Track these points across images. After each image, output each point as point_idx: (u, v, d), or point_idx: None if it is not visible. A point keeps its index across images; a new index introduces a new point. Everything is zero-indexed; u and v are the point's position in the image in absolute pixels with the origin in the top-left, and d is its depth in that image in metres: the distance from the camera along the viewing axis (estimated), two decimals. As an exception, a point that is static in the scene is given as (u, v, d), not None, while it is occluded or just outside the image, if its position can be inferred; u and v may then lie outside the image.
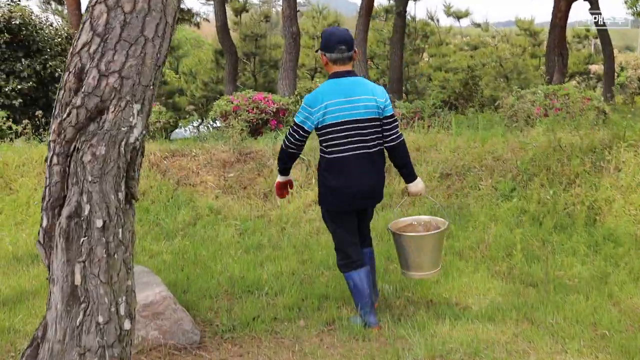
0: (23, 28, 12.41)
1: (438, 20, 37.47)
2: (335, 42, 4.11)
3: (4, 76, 12.00)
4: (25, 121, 10.26)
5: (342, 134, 4.07)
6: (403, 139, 4.29)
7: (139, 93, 3.16)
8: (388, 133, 4.20)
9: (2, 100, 11.83)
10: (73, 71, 2.96)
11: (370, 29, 24.96)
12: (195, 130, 16.40)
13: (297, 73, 19.52)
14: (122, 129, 3.05)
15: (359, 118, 4.08)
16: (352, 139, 4.08)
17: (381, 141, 4.22)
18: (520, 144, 8.16)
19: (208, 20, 28.25)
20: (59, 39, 13.15)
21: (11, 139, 10.38)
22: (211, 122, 12.09)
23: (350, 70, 4.18)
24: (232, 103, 11.60)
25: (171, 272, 5.74)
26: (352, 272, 4.28)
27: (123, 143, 3.07)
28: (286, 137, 4.22)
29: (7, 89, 11.82)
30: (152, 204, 8.12)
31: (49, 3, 27.14)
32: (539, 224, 6.62)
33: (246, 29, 30.63)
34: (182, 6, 26.27)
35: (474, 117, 13.33)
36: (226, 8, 22.85)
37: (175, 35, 37.07)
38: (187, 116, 27.47)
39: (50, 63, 12.62)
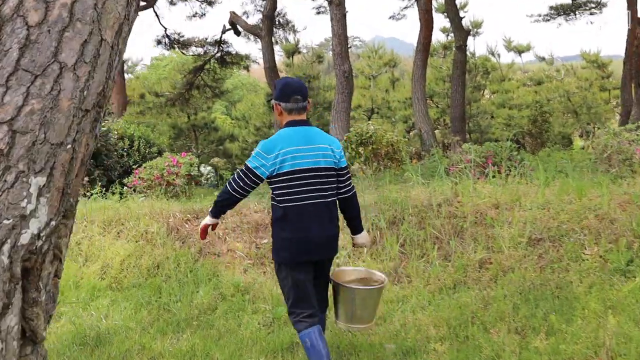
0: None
1: (499, 55, 35.61)
2: (291, 92, 4.06)
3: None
4: None
5: (301, 181, 3.94)
6: (355, 191, 4.31)
7: (42, 157, 2.07)
8: (343, 185, 4.18)
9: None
10: None
11: (428, 66, 23.31)
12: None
13: (350, 114, 18.01)
14: (5, 221, 1.96)
15: (319, 167, 3.99)
16: (311, 187, 3.97)
17: (335, 192, 4.14)
18: (631, 197, 6.35)
19: (258, 63, 27.15)
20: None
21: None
22: None
23: (306, 120, 4.11)
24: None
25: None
26: (308, 330, 4.01)
27: (6, 247, 1.95)
28: (233, 179, 4.03)
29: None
30: (165, 281, 6.60)
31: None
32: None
33: (298, 70, 29.44)
34: (229, 49, 25.19)
35: (549, 159, 11.53)
36: (276, 49, 21.62)
37: (230, 79, 36.46)
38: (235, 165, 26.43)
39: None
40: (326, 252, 4.16)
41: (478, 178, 7.98)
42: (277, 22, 25.39)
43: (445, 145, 20.26)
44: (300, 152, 3.91)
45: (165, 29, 25.83)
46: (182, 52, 27.09)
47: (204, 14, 25.98)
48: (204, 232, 4.26)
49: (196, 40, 26.22)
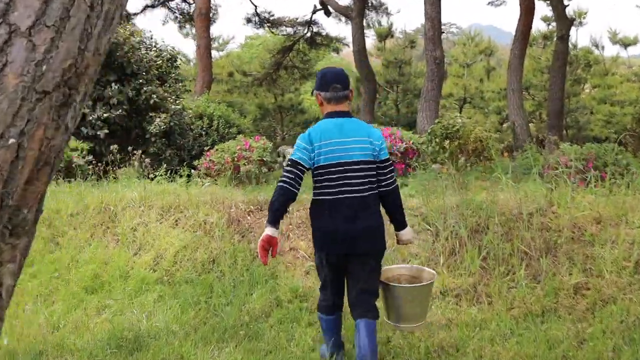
0: (117, 48, 10.82)
1: (603, 48, 33.54)
2: (330, 81, 4.04)
3: (89, 103, 10.43)
4: (112, 155, 8.57)
5: (334, 175, 3.94)
6: (397, 185, 4.20)
7: None
8: (383, 177, 4.06)
9: (86, 130, 10.26)
10: None
11: (527, 57, 21.95)
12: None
13: (439, 103, 17.05)
14: None
15: (354, 160, 3.95)
16: (345, 181, 3.93)
17: (374, 185, 4.04)
18: None
19: (348, 46, 26.37)
20: (160, 61, 11.46)
21: (94, 177, 8.75)
22: None
23: (345, 111, 4.08)
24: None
25: None
26: (324, 315, 4.27)
27: None
28: (282, 175, 3.96)
29: (91, 118, 10.22)
30: (219, 279, 6.03)
31: (184, 25, 26.37)
32: None
33: (390, 55, 28.49)
34: (319, 30, 24.57)
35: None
36: (367, 32, 20.78)
37: (322, 61, 35.88)
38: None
39: (145, 88, 10.91)
40: (361, 246, 4.00)
41: (577, 185, 7.00)
42: (369, 4, 24.57)
43: (539, 140, 18.97)
44: (334, 146, 3.92)
45: (256, 6, 25.42)
46: (271, 32, 26.62)
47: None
48: (264, 252, 3.81)
49: (287, 19, 25.73)
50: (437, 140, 7.90)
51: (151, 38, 12.30)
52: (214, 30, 61.33)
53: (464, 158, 7.92)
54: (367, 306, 4.00)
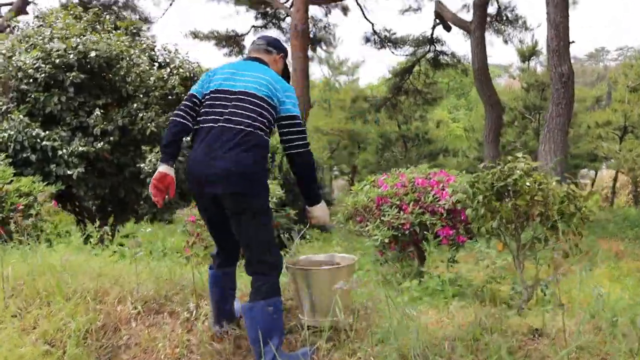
0: (109, 64, 8.50)
1: None
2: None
3: (64, 134, 8.13)
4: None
5: (216, 102, 3.49)
6: (307, 151, 3.52)
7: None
8: (287, 137, 3.48)
9: (54, 169, 7.94)
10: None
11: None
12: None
13: (568, 132, 13.39)
14: None
15: (239, 90, 3.47)
16: (216, 110, 3.46)
17: (261, 125, 3.39)
18: None
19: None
20: (173, 81, 8.96)
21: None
22: (341, 223, 6.79)
23: (258, 57, 3.76)
24: (377, 189, 6.34)
25: None
26: (210, 269, 3.84)
27: None
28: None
29: (63, 153, 7.90)
30: None
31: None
32: None
33: (530, 77, 24.63)
34: (445, 49, 21.45)
35: None
36: (508, 49, 17.40)
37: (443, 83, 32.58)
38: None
39: (142, 115, 8.40)
40: (214, 187, 3.37)
41: None
42: (504, 17, 21.12)
43: None
44: (226, 74, 3.58)
45: (372, 24, 22.77)
46: (391, 52, 23.76)
47: (420, 8, 22.47)
48: (158, 192, 3.52)
49: (410, 38, 22.83)
50: (480, 199, 4.72)
51: (173, 52, 9.89)
52: (340, 53, 59.34)
53: (521, 225, 4.72)
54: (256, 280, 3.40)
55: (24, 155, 7.90)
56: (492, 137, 17.62)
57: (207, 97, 3.55)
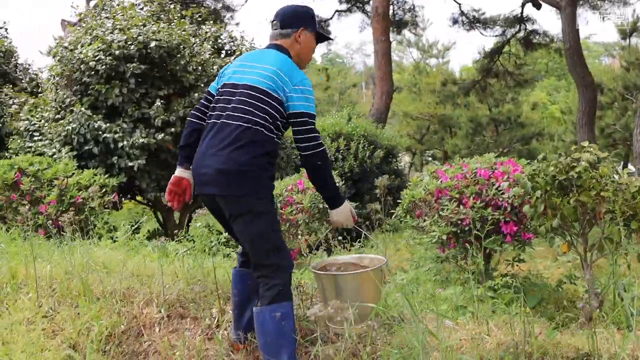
0: (170, 53, 8.36)
1: None
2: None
3: (126, 126, 8.06)
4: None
5: (222, 97, 3.26)
6: (319, 152, 3.16)
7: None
8: (296, 137, 3.16)
9: (116, 161, 7.90)
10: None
11: None
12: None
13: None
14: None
15: (243, 83, 3.19)
16: (221, 105, 3.22)
17: (261, 121, 3.10)
18: None
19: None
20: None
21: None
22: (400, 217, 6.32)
23: (275, 44, 3.40)
24: (435, 181, 5.88)
25: None
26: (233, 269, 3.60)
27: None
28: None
29: (124, 145, 7.83)
30: None
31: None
32: None
33: (630, 55, 23.11)
34: (537, 28, 20.41)
35: None
36: (579, 27, 16.34)
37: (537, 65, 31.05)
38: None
39: (202, 104, 8.27)
40: (208, 189, 3.17)
41: None
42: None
43: None
44: (236, 67, 3.34)
45: (459, 4, 21.94)
46: (480, 33, 22.83)
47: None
48: (173, 196, 3.43)
49: (500, 18, 21.87)
50: (540, 192, 4.16)
51: (239, 39, 9.66)
52: (428, 35, 57.73)
53: (589, 224, 4.14)
54: (261, 285, 3.14)
55: (87, 147, 7.90)
56: (585, 120, 16.60)
57: (218, 92, 3.35)
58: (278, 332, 3.04)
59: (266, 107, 3.11)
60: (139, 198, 9.97)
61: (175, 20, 9.30)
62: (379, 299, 3.52)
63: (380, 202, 6.02)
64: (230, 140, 3.05)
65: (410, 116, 28.12)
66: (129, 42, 8.09)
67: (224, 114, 3.15)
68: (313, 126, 3.15)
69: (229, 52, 9.59)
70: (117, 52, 7.97)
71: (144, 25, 8.43)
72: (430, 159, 31.47)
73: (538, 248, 6.38)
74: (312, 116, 3.15)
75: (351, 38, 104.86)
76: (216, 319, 3.95)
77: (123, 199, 9.21)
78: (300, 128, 3.13)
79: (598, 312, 4.37)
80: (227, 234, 3.89)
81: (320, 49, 65.61)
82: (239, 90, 3.18)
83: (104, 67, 7.97)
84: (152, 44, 8.07)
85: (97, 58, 8.00)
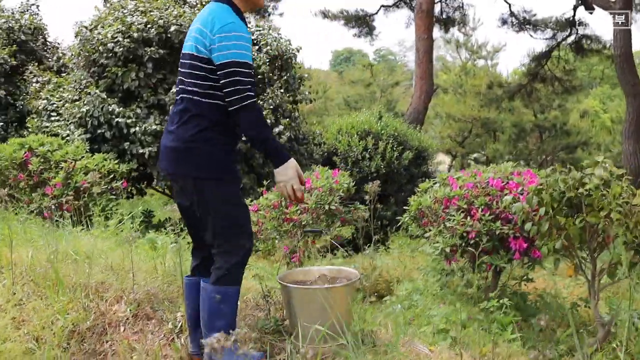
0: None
1: None
2: None
3: (140, 111, 7.90)
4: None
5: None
6: (246, 104, 2.76)
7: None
8: (223, 90, 2.79)
9: (127, 147, 7.73)
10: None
11: None
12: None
13: None
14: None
15: (184, 52, 2.96)
16: (179, 79, 2.97)
17: (197, 89, 2.84)
18: None
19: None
20: (259, 60, 8.48)
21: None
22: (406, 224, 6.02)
23: None
24: (445, 188, 5.53)
25: None
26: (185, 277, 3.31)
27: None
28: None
29: (137, 131, 7.64)
30: None
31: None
32: None
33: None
34: (585, 31, 19.72)
35: None
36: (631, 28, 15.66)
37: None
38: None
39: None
40: (170, 175, 3.05)
41: None
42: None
43: None
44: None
45: (509, 4, 21.32)
46: (530, 35, 22.15)
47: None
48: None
49: (552, 20, 21.17)
50: (543, 211, 3.78)
51: (266, 30, 9.39)
52: (478, 36, 56.35)
53: (597, 248, 3.75)
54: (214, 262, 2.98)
55: (100, 131, 7.76)
56: (632, 130, 15.90)
57: None
58: (215, 313, 2.94)
59: (196, 72, 2.83)
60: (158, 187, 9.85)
61: (198, 5, 9.09)
62: (350, 317, 3.22)
63: (370, 210, 5.71)
64: (178, 116, 2.87)
65: (453, 118, 27.55)
66: (149, 25, 7.92)
67: (179, 88, 2.94)
68: (241, 76, 2.75)
69: (255, 41, 9.34)
70: (135, 35, 7.81)
71: (167, 9, 8.24)
72: (472, 162, 30.84)
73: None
74: (238, 64, 2.74)
75: (402, 35, 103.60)
76: (180, 323, 3.71)
77: (145, 186, 9.09)
78: (225, 80, 2.75)
79: (605, 342, 4.01)
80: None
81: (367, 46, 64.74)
82: (183, 61, 2.96)
83: (121, 49, 7.82)
84: (172, 28, 7.89)
85: (115, 40, 7.85)
